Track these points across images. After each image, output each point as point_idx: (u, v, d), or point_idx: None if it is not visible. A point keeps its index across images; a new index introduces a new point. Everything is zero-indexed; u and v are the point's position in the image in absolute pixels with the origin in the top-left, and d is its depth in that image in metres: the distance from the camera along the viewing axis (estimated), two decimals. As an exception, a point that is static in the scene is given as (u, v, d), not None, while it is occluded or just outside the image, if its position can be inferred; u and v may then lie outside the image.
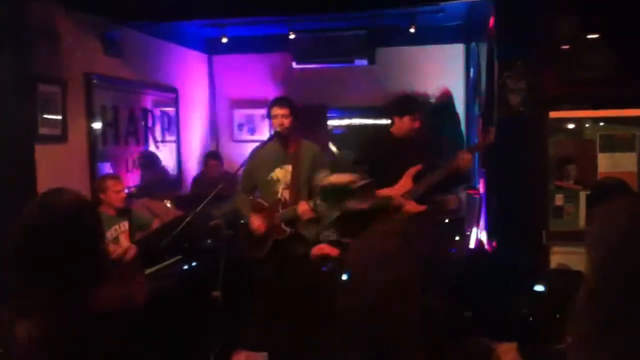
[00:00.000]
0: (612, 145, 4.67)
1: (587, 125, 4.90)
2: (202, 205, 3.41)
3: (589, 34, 4.13)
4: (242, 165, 3.92)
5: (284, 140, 3.79)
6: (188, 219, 3.33)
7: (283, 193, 3.77)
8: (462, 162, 3.54)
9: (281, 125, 3.72)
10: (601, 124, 4.92)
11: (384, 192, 3.74)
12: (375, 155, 3.77)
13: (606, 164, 4.69)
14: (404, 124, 3.70)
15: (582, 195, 4.74)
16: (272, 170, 3.81)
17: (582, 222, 4.75)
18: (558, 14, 3.52)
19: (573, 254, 4.66)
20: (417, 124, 3.68)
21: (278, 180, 3.80)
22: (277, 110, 3.74)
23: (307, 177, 3.76)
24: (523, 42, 3.42)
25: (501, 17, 3.53)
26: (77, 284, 1.43)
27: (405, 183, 3.69)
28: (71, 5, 4.17)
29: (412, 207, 3.64)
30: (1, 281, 1.50)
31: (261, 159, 3.86)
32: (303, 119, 3.98)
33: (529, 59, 3.29)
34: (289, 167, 3.77)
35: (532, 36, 3.39)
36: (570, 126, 4.62)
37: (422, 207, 3.62)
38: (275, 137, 3.79)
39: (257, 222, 3.74)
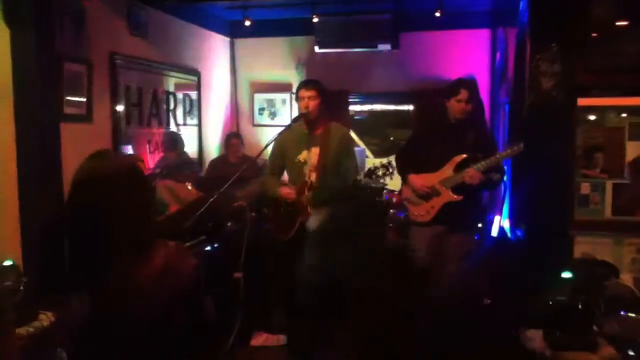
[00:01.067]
0: (641, 133, 4.59)
1: (611, 115, 4.83)
2: (225, 186, 3.40)
3: (621, 21, 4.04)
4: (265, 147, 3.90)
5: (311, 123, 3.76)
6: (212, 199, 3.32)
7: (310, 175, 3.74)
8: (468, 179, 3.58)
9: (307, 107, 3.69)
10: (623, 115, 4.85)
11: (424, 176, 3.76)
12: (427, 138, 3.83)
13: (634, 152, 4.62)
14: (452, 106, 3.72)
15: (609, 184, 4.68)
16: (299, 152, 3.79)
17: (607, 211, 4.69)
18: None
19: (597, 244, 4.62)
20: (463, 105, 3.67)
21: (305, 162, 3.78)
22: (304, 92, 3.71)
23: (335, 160, 3.72)
24: (557, 25, 3.34)
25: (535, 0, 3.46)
26: (129, 249, 1.43)
27: (446, 170, 3.70)
28: (97, -17, 4.17)
29: (449, 196, 3.63)
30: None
31: (288, 141, 3.85)
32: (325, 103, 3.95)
33: (563, 43, 3.22)
34: (316, 149, 3.75)
35: (565, 20, 3.31)
36: (594, 115, 4.55)
37: (457, 197, 3.61)
38: (301, 118, 3.76)
39: (286, 190, 3.76)
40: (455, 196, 3.64)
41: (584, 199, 4.60)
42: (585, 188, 4.65)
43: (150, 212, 1.56)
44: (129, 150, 4.66)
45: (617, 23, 4.12)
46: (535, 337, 3.14)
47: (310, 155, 3.77)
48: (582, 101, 3.96)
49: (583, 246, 4.43)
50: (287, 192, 3.76)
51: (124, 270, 1.41)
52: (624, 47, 3.89)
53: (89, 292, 1.39)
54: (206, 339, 1.75)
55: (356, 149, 5.07)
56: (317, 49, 5.97)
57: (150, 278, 1.44)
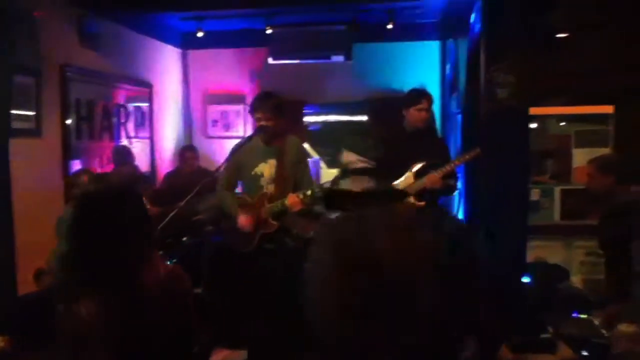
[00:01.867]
0: (586, 140, 4.81)
1: (559, 123, 5.03)
2: (186, 199, 3.34)
3: (562, 33, 4.23)
4: (225, 161, 3.87)
5: (268, 136, 3.76)
6: (172, 213, 3.25)
7: (268, 187, 3.74)
8: (429, 185, 3.68)
9: (264, 122, 3.70)
10: (562, 123, 5.08)
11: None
12: (386, 149, 3.89)
13: (581, 159, 4.82)
14: (411, 115, 3.81)
15: (558, 190, 4.87)
16: (256, 165, 3.79)
17: (557, 216, 4.88)
18: (542, 10, 3.58)
19: (548, 248, 4.79)
20: (424, 114, 3.80)
21: (262, 174, 3.78)
22: (259, 113, 3.71)
23: (292, 172, 3.75)
24: (509, 37, 3.47)
25: (488, 11, 3.58)
26: (128, 264, 1.44)
27: (408, 178, 3.78)
28: (48, -7, 4.05)
29: (412, 202, 3.70)
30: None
31: (245, 154, 3.83)
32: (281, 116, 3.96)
33: (516, 54, 3.35)
34: (274, 162, 3.75)
35: (517, 32, 3.44)
36: (536, 124, 4.74)
37: (421, 203, 3.68)
38: (259, 132, 3.75)
39: (244, 220, 3.71)
40: (418, 203, 3.71)
41: (534, 204, 4.77)
42: (535, 194, 4.83)
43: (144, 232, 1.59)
44: (81, 164, 4.52)
45: (559, 35, 4.32)
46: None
47: (268, 167, 3.78)
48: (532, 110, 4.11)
49: (535, 250, 4.59)
50: (245, 223, 3.71)
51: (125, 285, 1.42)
52: (571, 57, 4.08)
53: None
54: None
55: (311, 159, 5.10)
56: (271, 60, 5.97)
57: (148, 296, 1.43)
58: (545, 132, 4.86)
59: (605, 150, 4.56)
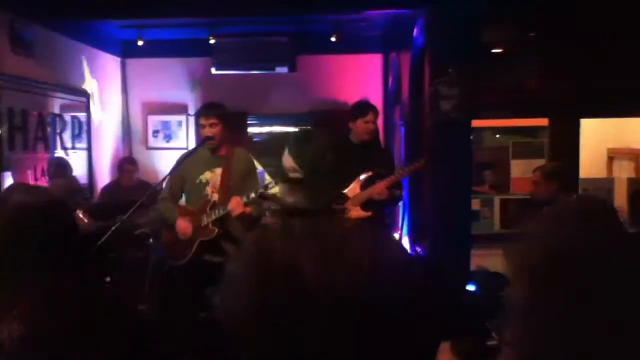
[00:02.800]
0: (523, 152, 5.00)
1: (495, 135, 5.21)
2: (129, 213, 3.23)
3: (497, 49, 4.39)
4: (169, 173, 3.78)
5: (214, 145, 3.73)
6: (114, 227, 3.14)
7: (212, 196, 3.70)
8: (376, 195, 3.72)
9: (209, 133, 3.69)
10: (497, 135, 5.27)
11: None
12: (332, 160, 3.86)
13: (519, 170, 5.00)
14: (358, 127, 3.84)
15: (497, 200, 5.02)
16: (202, 173, 3.76)
17: (497, 226, 5.02)
18: (487, 24, 3.71)
19: (490, 256, 4.92)
20: (371, 126, 3.85)
21: (207, 183, 3.74)
22: (204, 121, 3.71)
23: (239, 181, 3.71)
24: (453, 51, 3.56)
25: (432, 26, 3.67)
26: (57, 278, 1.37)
27: (355, 188, 3.78)
28: (-23, -2, 3.85)
29: (358, 213, 3.70)
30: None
31: (191, 163, 3.79)
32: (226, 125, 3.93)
33: (459, 68, 3.44)
34: (219, 170, 3.73)
35: (460, 46, 3.54)
36: (471, 137, 4.91)
37: (368, 214, 3.69)
38: (205, 142, 3.72)
39: (183, 225, 3.63)
40: (365, 213, 3.72)
41: (475, 214, 4.90)
42: (476, 204, 4.95)
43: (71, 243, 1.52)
44: (13, 177, 4.30)
45: (494, 50, 4.48)
46: (444, 349, 3.25)
47: (214, 176, 3.75)
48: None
49: (477, 259, 4.71)
50: (183, 228, 3.64)
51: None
52: (510, 71, 4.24)
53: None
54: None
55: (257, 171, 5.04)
56: (214, 70, 5.89)
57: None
58: (481, 144, 5.01)
59: (542, 161, 4.74)
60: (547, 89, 4.19)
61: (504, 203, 5.00)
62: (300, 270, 0.85)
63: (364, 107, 3.95)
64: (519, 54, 3.95)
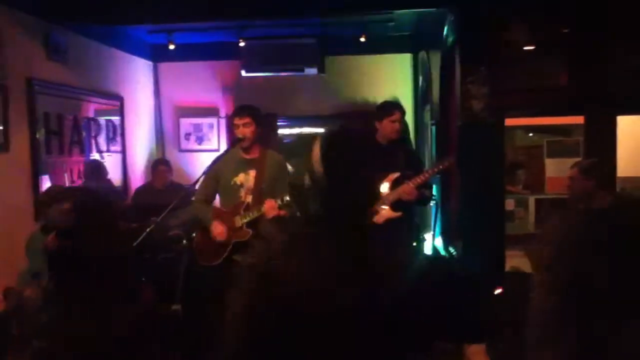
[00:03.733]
0: (558, 150, 4.89)
1: (528, 133, 5.11)
2: (163, 214, 3.27)
3: (529, 46, 4.30)
4: (203, 174, 3.82)
5: (247, 147, 3.77)
6: (149, 229, 3.18)
7: (246, 198, 3.74)
8: (404, 195, 3.68)
9: (242, 134, 3.73)
10: (530, 134, 5.16)
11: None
12: (360, 160, 3.86)
13: (553, 168, 4.90)
14: (384, 127, 3.80)
15: (532, 199, 4.93)
16: (236, 175, 3.79)
17: (532, 226, 4.93)
18: (515, 22, 3.64)
19: (524, 257, 4.83)
20: (397, 126, 3.79)
21: (241, 185, 3.78)
22: (239, 120, 3.75)
23: (271, 184, 3.73)
24: (483, 49, 3.51)
25: (462, 24, 3.62)
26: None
27: (383, 188, 3.77)
28: (13, 5, 3.94)
29: (389, 213, 3.68)
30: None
31: (224, 165, 3.82)
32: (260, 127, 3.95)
33: (491, 65, 3.39)
34: (253, 172, 3.76)
35: (490, 44, 3.48)
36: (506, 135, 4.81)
37: (398, 214, 3.66)
38: (237, 142, 3.75)
39: (218, 227, 3.67)
40: (394, 213, 3.69)
41: (509, 214, 4.81)
42: (510, 204, 4.87)
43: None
44: (50, 179, 4.40)
45: (525, 48, 4.39)
46: (478, 352, 3.21)
47: (248, 178, 3.78)
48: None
49: (511, 260, 4.63)
50: (219, 232, 3.68)
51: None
52: (541, 69, 4.15)
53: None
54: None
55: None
56: (243, 72, 5.94)
57: None
58: (513, 143, 4.93)
59: (577, 160, 4.64)
60: (582, 86, 4.08)
61: (538, 203, 4.91)
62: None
63: (390, 106, 3.91)
64: (551, 50, 3.86)
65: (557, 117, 4.80)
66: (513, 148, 4.85)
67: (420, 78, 5.79)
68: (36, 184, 4.23)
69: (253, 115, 3.75)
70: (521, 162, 4.95)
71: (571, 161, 4.54)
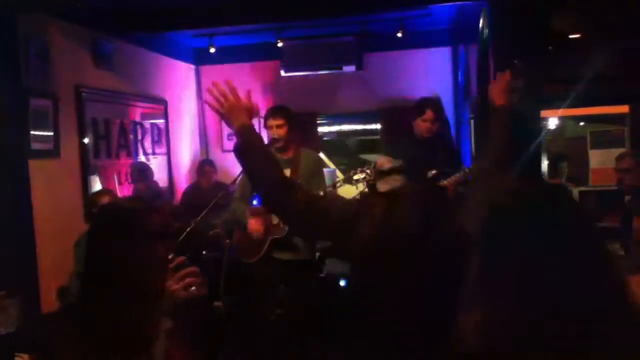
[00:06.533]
0: (602, 141, 4.78)
1: (579, 123, 4.99)
2: (202, 214, 3.38)
3: (574, 34, 4.21)
4: (240, 174, 3.91)
5: (281, 147, 3.83)
6: (189, 228, 3.29)
7: None
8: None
9: (276, 134, 3.81)
10: (581, 123, 5.02)
11: None
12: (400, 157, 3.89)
13: (597, 160, 4.79)
14: (418, 126, 3.79)
15: (576, 192, 4.82)
16: None
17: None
18: (552, 14, 3.57)
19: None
20: (429, 125, 3.75)
21: None
22: (272, 121, 3.83)
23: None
24: (518, 40, 3.46)
25: (496, 15, 3.58)
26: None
27: None
28: (61, 16, 4.13)
29: None
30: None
31: None
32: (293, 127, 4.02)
33: (524, 58, 3.34)
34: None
35: (525, 35, 3.43)
36: (554, 125, 4.72)
37: None
38: (272, 144, 3.81)
39: (254, 224, 3.76)
40: None
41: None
42: (553, 197, 4.78)
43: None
44: (99, 182, 4.59)
45: (571, 36, 4.29)
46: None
47: None
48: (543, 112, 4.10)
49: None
50: (256, 228, 3.77)
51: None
52: (581, 58, 4.05)
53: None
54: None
55: (327, 169, 5.11)
56: (283, 72, 6.02)
57: None
58: (563, 133, 4.83)
59: (622, 151, 4.52)
60: (627, 74, 3.97)
61: (582, 195, 4.81)
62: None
63: (421, 105, 3.83)
64: (591, 39, 3.76)
65: (602, 107, 4.68)
66: (561, 139, 4.75)
67: (460, 72, 5.74)
68: (86, 187, 4.42)
69: (286, 116, 3.83)
70: (565, 154, 4.85)
71: (616, 152, 4.44)
